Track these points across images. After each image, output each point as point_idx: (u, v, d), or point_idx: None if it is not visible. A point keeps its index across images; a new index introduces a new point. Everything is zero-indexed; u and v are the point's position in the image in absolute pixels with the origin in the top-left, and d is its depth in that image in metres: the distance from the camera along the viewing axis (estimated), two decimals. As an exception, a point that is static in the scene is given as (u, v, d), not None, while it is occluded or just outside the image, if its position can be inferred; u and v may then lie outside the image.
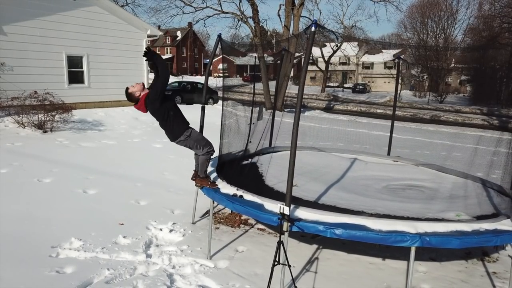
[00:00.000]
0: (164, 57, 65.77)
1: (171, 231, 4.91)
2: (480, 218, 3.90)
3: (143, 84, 4.23)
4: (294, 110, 3.31)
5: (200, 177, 4.53)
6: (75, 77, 14.31)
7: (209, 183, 4.51)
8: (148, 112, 4.24)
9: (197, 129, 4.73)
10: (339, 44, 40.33)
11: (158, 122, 4.29)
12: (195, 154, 4.52)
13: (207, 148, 4.39)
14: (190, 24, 61.82)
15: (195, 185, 4.66)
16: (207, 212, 5.40)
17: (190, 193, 5.68)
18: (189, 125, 4.33)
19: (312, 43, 3.39)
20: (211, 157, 4.53)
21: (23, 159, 7.70)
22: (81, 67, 14.50)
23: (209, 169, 5.14)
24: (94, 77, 14.80)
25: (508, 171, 4.61)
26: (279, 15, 23.00)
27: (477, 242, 3.39)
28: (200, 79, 44.13)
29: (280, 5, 22.08)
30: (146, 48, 4.10)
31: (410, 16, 48.10)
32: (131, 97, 4.13)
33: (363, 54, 61.39)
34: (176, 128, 4.22)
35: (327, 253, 4.54)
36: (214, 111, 13.88)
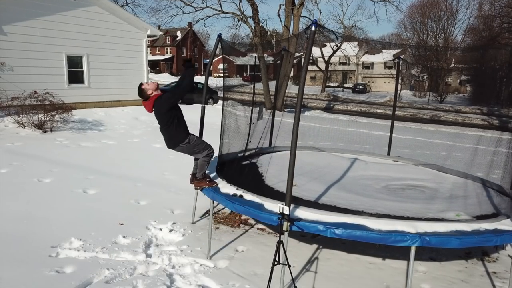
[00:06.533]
0: (164, 57, 65.83)
1: (171, 231, 4.91)
2: (480, 218, 3.90)
3: (157, 85, 4.27)
4: (294, 110, 3.31)
5: (197, 179, 4.54)
6: (75, 77, 14.31)
7: (207, 182, 4.51)
8: (153, 113, 4.26)
9: (198, 129, 4.74)
10: (339, 44, 40.31)
11: (159, 125, 4.30)
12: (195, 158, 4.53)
13: (207, 151, 4.41)
14: (190, 24, 61.84)
15: (195, 188, 4.68)
16: (207, 212, 5.40)
17: (190, 193, 5.68)
18: (189, 133, 4.35)
19: (312, 43, 3.38)
20: (211, 158, 4.54)
21: (23, 159, 7.70)
22: (81, 67, 14.49)
23: (209, 168, 5.14)
24: (94, 77, 14.80)
25: (508, 171, 4.61)
26: (279, 15, 23.02)
27: (477, 242, 3.39)
28: (200, 79, 44.14)
29: (280, 5, 22.08)
30: (189, 58, 4.18)
31: (410, 16, 48.13)
32: (142, 93, 4.19)
33: (363, 54, 61.37)
34: (176, 135, 4.25)
35: (327, 253, 4.53)
36: (214, 111, 13.89)
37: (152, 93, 4.17)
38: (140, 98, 4.24)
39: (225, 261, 4.21)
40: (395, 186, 5.31)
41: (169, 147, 4.34)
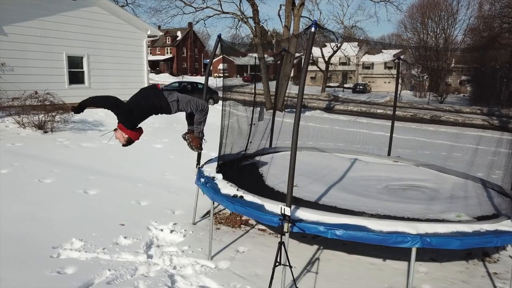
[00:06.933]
0: (164, 57, 65.81)
1: (172, 231, 4.91)
2: (480, 218, 3.90)
3: (117, 127, 4.16)
4: (295, 110, 3.31)
5: (194, 135, 4.49)
6: (76, 77, 14.32)
7: (199, 145, 4.50)
8: (155, 115, 4.25)
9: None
10: (339, 44, 40.33)
11: (165, 114, 4.25)
12: (186, 113, 4.45)
13: (201, 106, 4.28)
14: (190, 24, 61.83)
15: (186, 139, 4.59)
16: (208, 212, 5.41)
17: (190, 194, 5.69)
18: (162, 90, 4.18)
19: (312, 44, 3.39)
20: (206, 116, 4.40)
21: (24, 160, 7.70)
22: (82, 67, 14.51)
23: (209, 169, 5.16)
24: (94, 77, 14.80)
25: (508, 172, 4.62)
26: (279, 15, 23.04)
27: (477, 243, 3.39)
28: (200, 79, 44.18)
29: (281, 5, 22.10)
30: (71, 108, 3.93)
31: (410, 16, 48.18)
32: (130, 141, 4.15)
33: (363, 54, 61.41)
34: (161, 106, 4.11)
35: (327, 254, 4.54)
36: (214, 111, 13.88)
37: (121, 133, 4.11)
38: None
39: (226, 262, 4.22)
40: (395, 187, 5.32)
41: (172, 113, 4.27)
